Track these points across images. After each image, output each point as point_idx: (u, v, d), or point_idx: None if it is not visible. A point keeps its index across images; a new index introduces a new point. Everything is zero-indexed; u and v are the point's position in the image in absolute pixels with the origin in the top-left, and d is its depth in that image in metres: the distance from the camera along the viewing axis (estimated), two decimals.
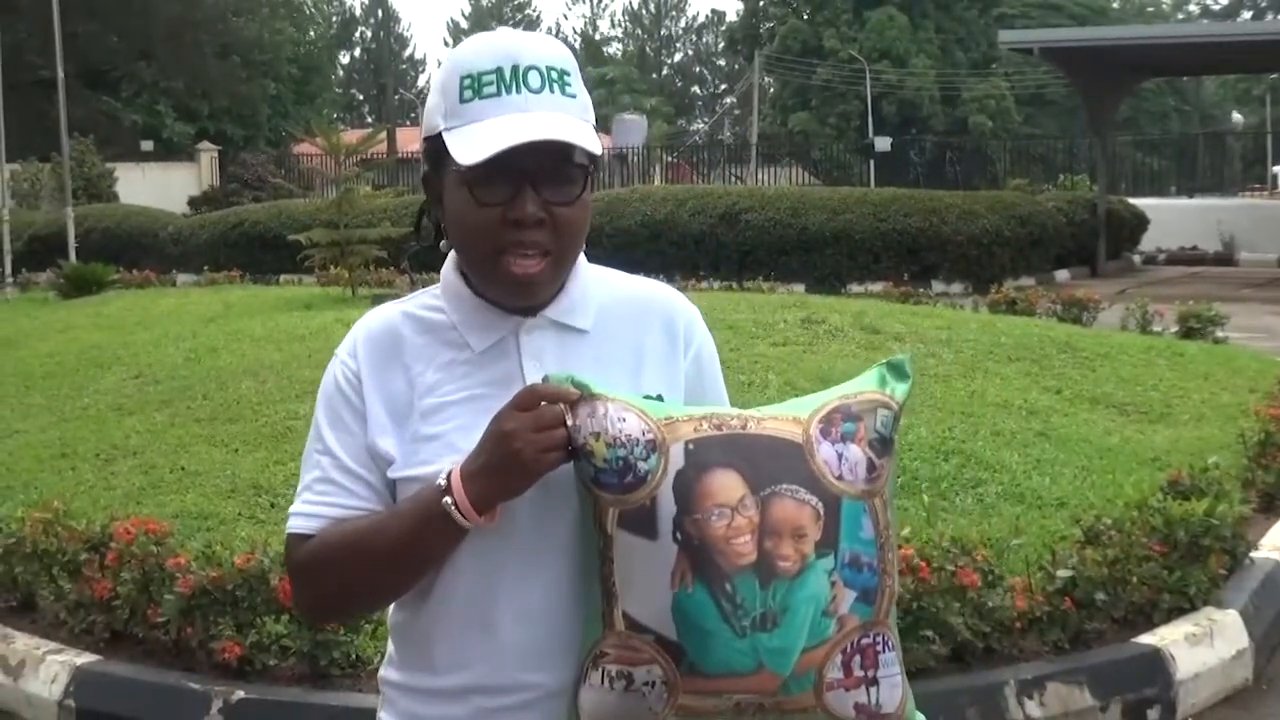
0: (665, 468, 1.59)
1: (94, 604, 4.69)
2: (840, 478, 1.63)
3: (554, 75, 1.67)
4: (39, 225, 25.00)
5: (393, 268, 14.41)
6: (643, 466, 1.59)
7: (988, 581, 4.48)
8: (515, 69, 1.66)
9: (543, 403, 1.60)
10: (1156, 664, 4.57)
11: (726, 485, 1.58)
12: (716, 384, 1.87)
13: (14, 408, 8.34)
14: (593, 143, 1.67)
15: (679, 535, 1.57)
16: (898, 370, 1.74)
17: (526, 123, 1.63)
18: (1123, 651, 4.59)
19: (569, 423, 1.61)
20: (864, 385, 1.72)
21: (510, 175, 1.64)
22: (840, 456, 1.63)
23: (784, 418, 1.66)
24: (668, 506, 1.58)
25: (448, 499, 1.61)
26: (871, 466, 1.65)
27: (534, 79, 1.66)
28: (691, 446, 1.60)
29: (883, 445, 1.67)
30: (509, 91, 1.65)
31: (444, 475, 1.63)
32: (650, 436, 1.60)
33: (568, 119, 1.66)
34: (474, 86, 1.66)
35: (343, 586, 1.73)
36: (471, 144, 1.63)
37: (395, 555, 1.68)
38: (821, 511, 1.60)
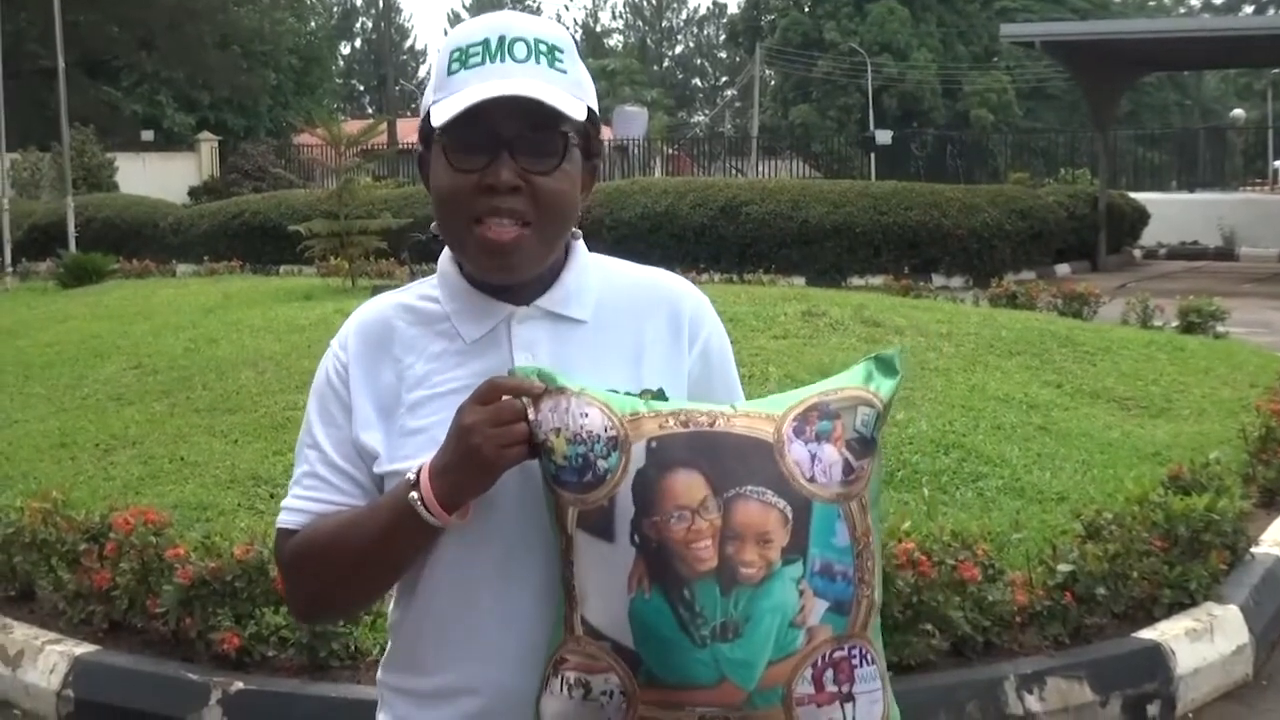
0: (626, 466, 1.51)
1: (93, 594, 4.68)
2: (812, 479, 1.53)
3: (542, 48, 1.64)
4: (39, 215, 24.96)
5: (392, 258, 14.40)
6: (602, 465, 1.52)
7: (988, 576, 4.48)
8: (502, 39, 1.63)
9: (505, 396, 1.56)
10: (1157, 659, 4.56)
11: (688, 486, 1.50)
12: (726, 376, 1.82)
13: (13, 397, 8.34)
14: (571, 108, 1.62)
15: (637, 538, 1.50)
16: (886, 365, 1.65)
17: (503, 85, 1.60)
18: (1123, 646, 4.59)
19: (531, 417, 1.55)
20: (848, 381, 1.63)
21: (487, 141, 1.61)
22: (813, 457, 1.54)
23: (757, 414, 1.57)
24: (626, 507, 1.51)
25: (414, 495, 1.58)
26: (848, 468, 1.56)
27: (519, 49, 1.63)
28: (654, 444, 1.52)
29: (862, 446, 1.57)
30: (493, 60, 1.62)
31: (414, 471, 1.60)
32: (612, 433, 1.53)
33: (550, 87, 1.62)
34: (461, 59, 1.64)
35: (324, 583, 1.71)
36: (447, 108, 1.61)
37: (369, 552, 1.65)
38: (790, 515, 1.51)
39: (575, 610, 1.54)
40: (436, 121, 1.61)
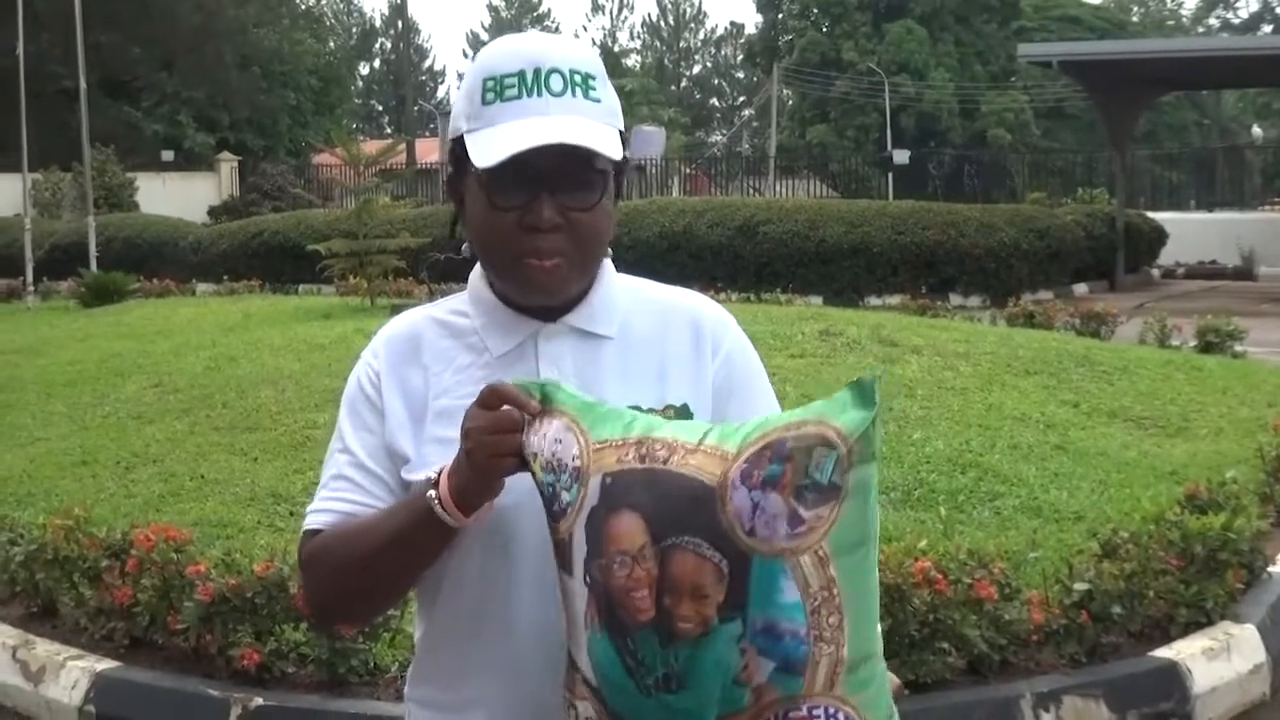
0: (582, 502, 1.47)
1: (114, 611, 4.72)
2: (751, 532, 1.38)
3: (577, 79, 1.65)
4: (60, 234, 25.11)
5: (411, 278, 14.45)
6: (565, 497, 1.49)
7: (1004, 594, 4.48)
8: (538, 71, 1.64)
9: (505, 405, 1.55)
10: (1173, 678, 4.55)
11: (630, 531, 1.43)
12: (752, 384, 1.80)
13: (35, 415, 8.39)
14: (612, 148, 1.64)
15: (588, 578, 1.47)
16: (862, 396, 1.42)
17: (544, 126, 1.61)
18: (1139, 665, 4.58)
19: (524, 436, 1.55)
20: (818, 412, 1.42)
21: (527, 179, 1.62)
22: (756, 506, 1.38)
23: (714, 451, 1.44)
24: (580, 545, 1.47)
25: (431, 493, 1.59)
26: (796, 520, 1.38)
27: (556, 82, 1.64)
28: (608, 481, 1.46)
29: (816, 494, 1.38)
30: (530, 94, 1.63)
31: (435, 470, 1.62)
32: (577, 464, 1.48)
33: (588, 123, 1.64)
34: (496, 89, 1.65)
35: (338, 583, 1.72)
36: (489, 147, 1.61)
37: (384, 551, 1.65)
38: (726, 570, 1.39)
39: (567, 637, 1.56)
40: (479, 163, 1.61)
